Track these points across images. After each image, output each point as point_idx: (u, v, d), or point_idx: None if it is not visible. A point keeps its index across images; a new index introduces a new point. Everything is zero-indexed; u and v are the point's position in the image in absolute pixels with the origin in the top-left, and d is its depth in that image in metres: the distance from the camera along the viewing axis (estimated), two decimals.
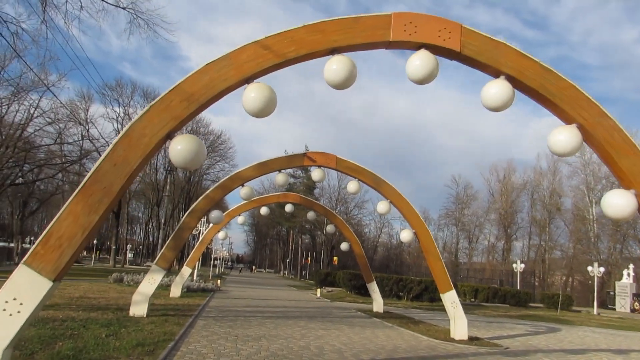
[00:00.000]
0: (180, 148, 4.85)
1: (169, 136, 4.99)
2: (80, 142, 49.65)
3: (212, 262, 54.26)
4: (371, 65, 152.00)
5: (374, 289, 19.43)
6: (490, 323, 18.81)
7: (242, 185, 12.08)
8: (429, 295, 28.87)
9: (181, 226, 11.76)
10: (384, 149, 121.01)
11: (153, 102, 5.00)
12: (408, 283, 28.90)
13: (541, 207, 73.87)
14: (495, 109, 5.47)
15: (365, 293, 29.71)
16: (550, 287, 66.20)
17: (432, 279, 30.84)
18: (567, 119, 5.59)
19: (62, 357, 6.19)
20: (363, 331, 12.51)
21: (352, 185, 12.57)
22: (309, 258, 73.53)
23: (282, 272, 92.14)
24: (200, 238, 20.28)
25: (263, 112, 5.11)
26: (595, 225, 63.03)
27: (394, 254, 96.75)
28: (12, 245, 49.59)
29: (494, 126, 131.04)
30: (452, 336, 12.27)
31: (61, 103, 35.79)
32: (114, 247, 62.22)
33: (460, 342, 11.76)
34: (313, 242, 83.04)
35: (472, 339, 12.26)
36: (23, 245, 51.99)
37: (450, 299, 12.37)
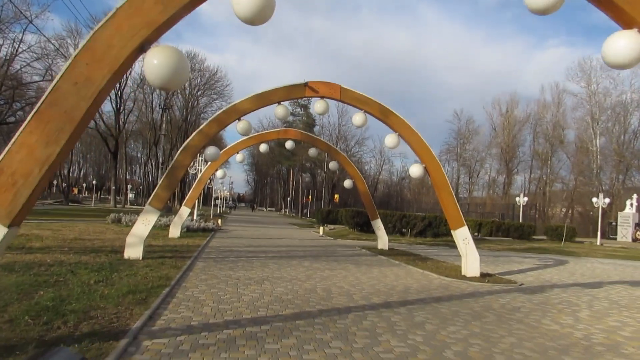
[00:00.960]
0: (156, 63, 3.88)
1: (143, 48, 4.00)
2: None
3: (212, 202, 54.01)
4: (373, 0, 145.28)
5: (378, 226, 18.91)
6: (497, 257, 18.43)
7: (239, 119, 11.11)
8: (433, 230, 28.59)
9: (174, 164, 10.90)
10: (385, 86, 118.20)
11: (120, 3, 3.96)
12: (411, 219, 28.52)
13: (544, 140, 72.98)
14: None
15: (368, 230, 29.44)
16: (551, 219, 66.60)
17: (435, 215, 30.54)
18: (627, 22, 4.56)
19: (40, 308, 5.51)
20: (370, 270, 11.99)
21: (358, 118, 11.60)
22: (310, 196, 73.54)
23: (283, 211, 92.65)
24: (198, 177, 19.54)
25: (258, 16, 4.10)
26: (598, 156, 62.47)
27: (394, 191, 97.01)
28: None
29: (497, 61, 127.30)
30: (463, 273, 11.77)
31: (45, 37, 33.96)
32: (114, 187, 61.89)
33: (473, 279, 11.25)
34: (313, 180, 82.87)
35: (484, 276, 11.76)
36: None
37: (462, 235, 11.75)
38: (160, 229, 20.17)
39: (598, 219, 55.99)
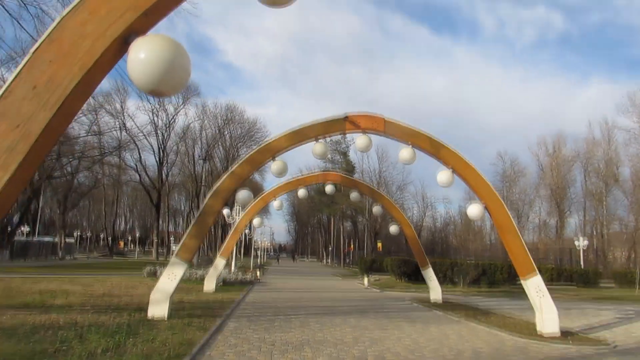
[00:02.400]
0: (144, 58, 2.78)
1: (127, 40, 2.91)
2: (118, 133, 49.29)
3: (252, 253, 52.95)
4: (409, 46, 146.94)
5: (429, 275, 17.14)
6: (568, 309, 16.20)
7: (273, 158, 10.05)
8: (487, 279, 26.30)
9: (204, 210, 9.84)
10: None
11: None
12: (463, 267, 26.37)
13: (596, 178, 69.07)
14: None
15: (416, 280, 27.40)
16: (612, 264, 61.93)
17: (490, 262, 28.25)
18: None
19: None
20: (427, 329, 10.32)
21: (406, 153, 10.29)
22: (352, 245, 71.46)
23: (324, 261, 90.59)
24: (234, 226, 18.52)
25: None
26: None
27: (438, 238, 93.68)
28: (56, 240, 49.70)
29: (537, 100, 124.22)
30: (539, 331, 9.93)
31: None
32: (156, 239, 62.06)
33: (553, 339, 9.41)
34: (355, 228, 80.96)
35: (565, 334, 9.88)
36: (66, 239, 52.13)
37: (535, 285, 10.00)
38: (195, 282, 19.07)
39: None
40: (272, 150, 10.03)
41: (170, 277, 9.68)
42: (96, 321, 8.63)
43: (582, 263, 39.97)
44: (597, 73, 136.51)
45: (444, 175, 10.34)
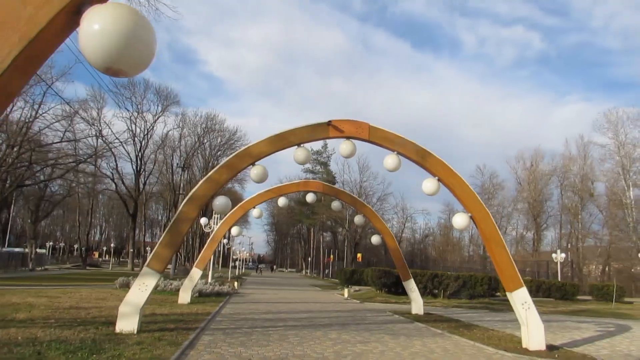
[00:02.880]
0: (98, 29, 2.35)
1: (79, 8, 2.49)
2: (94, 141, 48.07)
3: (230, 263, 51.97)
4: (390, 61, 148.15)
5: (411, 287, 16.82)
6: (549, 322, 15.98)
7: (253, 164, 9.61)
8: (467, 291, 26.12)
9: (178, 217, 9.30)
10: None
11: None
12: (444, 279, 26.15)
13: (572, 193, 70.16)
14: None
15: (396, 292, 27.10)
16: (587, 277, 62.74)
17: (470, 274, 28.07)
18: None
19: None
20: (411, 342, 9.93)
21: (391, 161, 9.98)
22: (332, 256, 70.97)
23: (303, 272, 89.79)
24: (211, 235, 17.91)
25: None
26: (633, 210, 59.31)
27: (417, 249, 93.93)
28: (26, 250, 47.95)
29: (516, 117, 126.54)
30: (525, 346, 9.62)
31: (64, 100, 33.90)
32: (132, 250, 60.61)
33: (539, 353, 9.11)
34: (334, 239, 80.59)
35: (550, 349, 9.61)
36: (37, 250, 50.36)
37: (522, 298, 9.72)
38: (170, 293, 18.39)
39: None
40: (252, 156, 9.59)
41: (141, 288, 9.11)
42: (58, 336, 8.01)
43: (559, 277, 40.21)
44: (573, 92, 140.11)
45: (429, 183, 10.04)
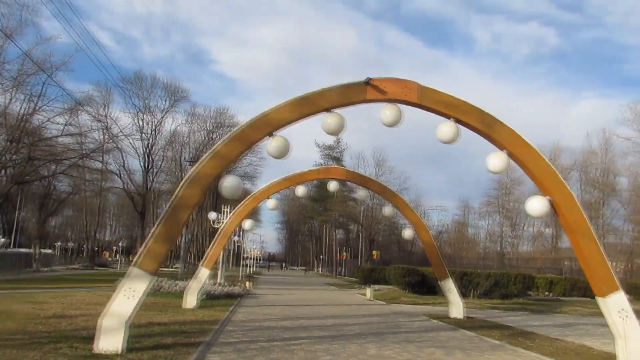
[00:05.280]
0: None
1: None
2: (100, 136, 46.31)
3: (242, 262, 50.03)
4: (404, 59, 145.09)
5: (449, 288, 14.65)
6: (602, 327, 13.72)
7: (271, 134, 7.52)
8: (500, 291, 23.86)
9: (176, 203, 7.16)
10: (419, 143, 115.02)
11: None
12: (474, 277, 23.92)
13: (593, 188, 67.38)
14: None
15: (422, 291, 24.92)
16: None
17: (502, 272, 25.77)
18: None
19: None
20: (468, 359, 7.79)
21: (447, 129, 7.81)
22: (344, 253, 68.72)
23: (315, 269, 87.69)
24: (220, 230, 15.85)
25: None
26: None
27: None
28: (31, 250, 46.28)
29: (533, 114, 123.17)
30: None
31: (65, 91, 32.07)
32: (141, 249, 58.89)
33: None
34: (347, 236, 78.39)
35: None
36: (44, 250, 48.69)
37: (618, 304, 7.52)
38: (175, 296, 16.38)
39: None
40: (271, 124, 7.48)
41: (128, 294, 7.04)
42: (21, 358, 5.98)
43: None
44: (590, 89, 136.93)
45: (497, 159, 7.89)
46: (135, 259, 7.17)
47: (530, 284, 26.10)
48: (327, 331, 10.63)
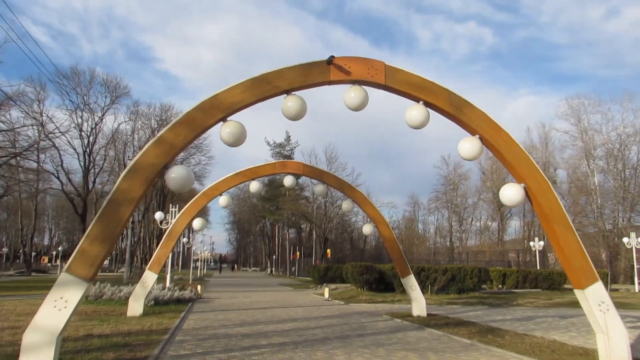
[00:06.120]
0: None
1: None
2: (35, 134, 43.20)
3: (191, 264, 48.24)
4: (349, 54, 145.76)
5: (411, 284, 14.18)
6: (563, 318, 13.70)
7: (224, 120, 6.64)
8: (457, 285, 23.83)
9: (113, 197, 6.12)
10: (367, 140, 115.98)
11: None
12: (431, 273, 23.76)
13: None
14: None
15: (379, 289, 24.55)
16: (554, 265, 62.56)
17: (459, 267, 25.76)
18: None
19: None
20: None
21: (416, 113, 7.19)
22: (298, 253, 67.96)
23: (268, 270, 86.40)
24: (167, 230, 14.66)
25: None
26: (598, 196, 59.39)
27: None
28: None
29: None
30: None
31: None
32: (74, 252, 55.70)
33: None
34: (299, 235, 77.72)
35: None
36: None
37: (598, 297, 7.14)
38: (118, 303, 15.08)
39: (617, 262, 51.56)
40: (222, 108, 6.58)
41: (59, 305, 5.95)
42: None
43: (538, 265, 38.81)
44: (524, 87, 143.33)
45: (468, 144, 7.33)
46: (66, 264, 6.07)
47: (486, 277, 26.28)
48: (288, 337, 9.81)
